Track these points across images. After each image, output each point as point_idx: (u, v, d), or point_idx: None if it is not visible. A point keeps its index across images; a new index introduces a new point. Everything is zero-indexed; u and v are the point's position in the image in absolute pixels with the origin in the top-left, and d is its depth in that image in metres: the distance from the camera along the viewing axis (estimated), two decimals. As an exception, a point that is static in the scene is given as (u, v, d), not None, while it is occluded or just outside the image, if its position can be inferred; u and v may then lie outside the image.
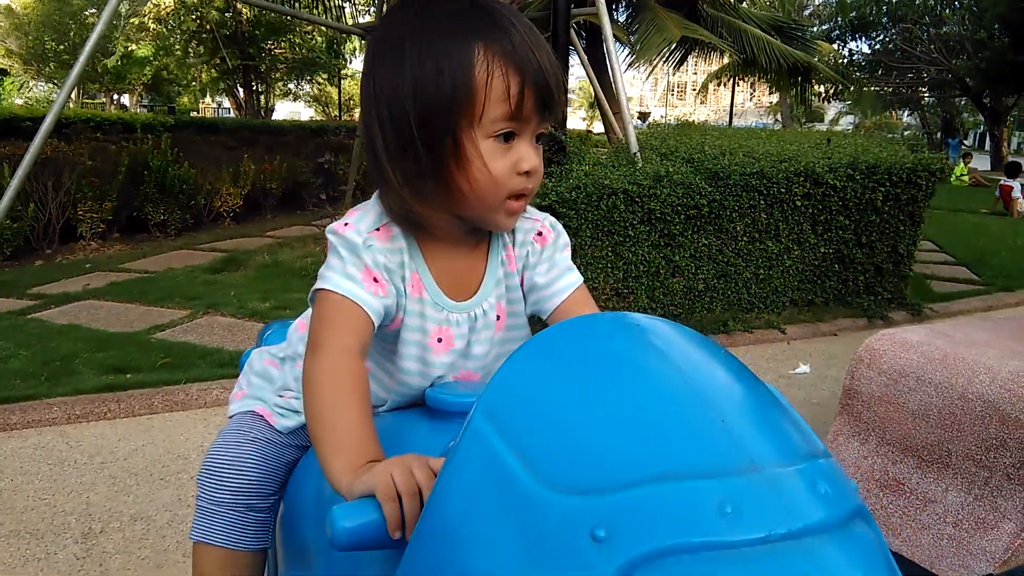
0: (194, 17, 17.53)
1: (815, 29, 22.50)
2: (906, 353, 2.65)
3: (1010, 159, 14.94)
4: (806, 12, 27.54)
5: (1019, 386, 2.30)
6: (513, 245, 1.04)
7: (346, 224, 0.94)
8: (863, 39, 23.66)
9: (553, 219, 1.08)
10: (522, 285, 1.06)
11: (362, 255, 0.92)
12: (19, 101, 22.43)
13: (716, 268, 4.88)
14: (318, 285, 0.92)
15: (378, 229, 0.95)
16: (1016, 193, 11.89)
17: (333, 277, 0.91)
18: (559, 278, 1.05)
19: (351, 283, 0.90)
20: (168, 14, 19.39)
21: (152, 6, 19.71)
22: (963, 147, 24.10)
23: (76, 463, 2.93)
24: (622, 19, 12.76)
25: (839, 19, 22.85)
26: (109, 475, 2.83)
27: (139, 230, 7.32)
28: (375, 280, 0.92)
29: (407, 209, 0.92)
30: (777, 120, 35.22)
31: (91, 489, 2.72)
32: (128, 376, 3.64)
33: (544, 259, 1.05)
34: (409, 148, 0.89)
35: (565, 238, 1.08)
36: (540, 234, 1.05)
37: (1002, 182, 12.56)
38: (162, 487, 2.74)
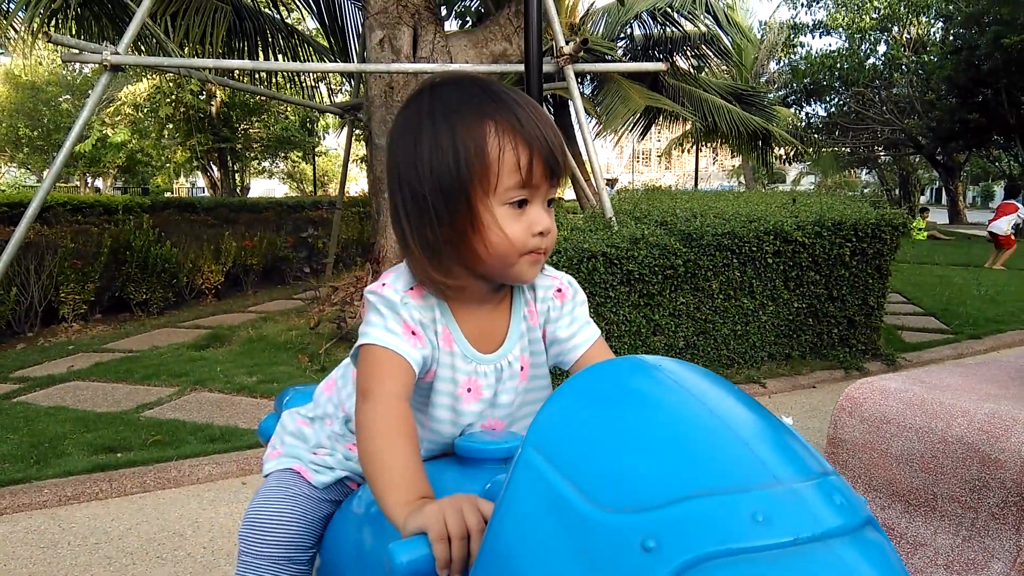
0: (169, 101, 17.81)
1: (772, 95, 23.43)
2: (886, 400, 2.74)
3: (1004, 184, 14.66)
4: (762, 79, 28.68)
5: (995, 427, 2.39)
6: (535, 301, 1.13)
7: (384, 284, 1.04)
8: (818, 103, 24.65)
9: (570, 277, 1.17)
10: (544, 338, 1.14)
11: (400, 311, 1.01)
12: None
13: (695, 325, 5.00)
14: (361, 341, 1.00)
15: (412, 288, 1.04)
16: (1022, 216, 11.73)
17: (375, 333, 0.99)
18: (580, 331, 1.14)
19: (393, 336, 0.99)
20: (144, 99, 19.70)
21: (128, 92, 20.02)
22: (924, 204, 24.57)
23: (70, 545, 2.89)
24: (588, 91, 13.23)
25: (794, 84, 23.84)
26: (104, 555, 2.80)
27: (121, 310, 7.31)
28: (413, 333, 1.01)
29: (429, 278, 1.02)
30: (741, 182, 36.19)
31: (87, 571, 2.69)
32: (119, 455, 3.62)
33: (565, 314, 1.14)
34: (429, 221, 0.98)
35: (582, 295, 1.17)
36: (560, 291, 1.14)
37: (1003, 202, 12.35)
38: (159, 565, 2.72)
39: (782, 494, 0.60)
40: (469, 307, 1.07)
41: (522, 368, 1.11)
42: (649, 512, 0.60)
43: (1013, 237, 11.96)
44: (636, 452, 0.65)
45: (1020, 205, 12.09)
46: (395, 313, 1.01)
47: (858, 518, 0.62)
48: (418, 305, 1.03)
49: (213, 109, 18.66)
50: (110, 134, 21.44)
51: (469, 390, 1.07)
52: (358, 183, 28.32)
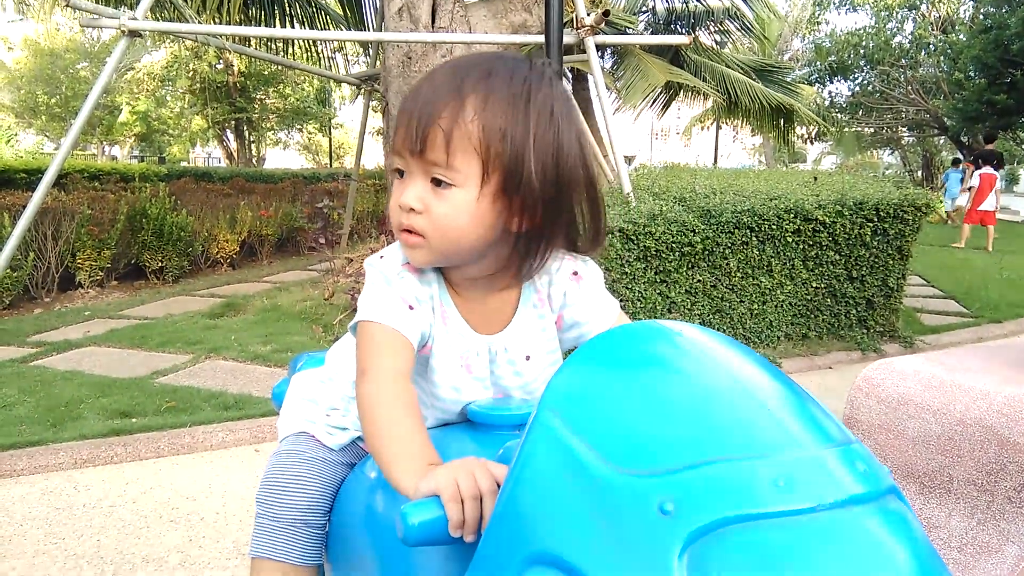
0: (188, 72, 17.82)
1: (795, 72, 23.04)
2: (903, 381, 2.70)
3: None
4: (786, 56, 28.23)
5: (1016, 410, 2.35)
6: (548, 286, 1.10)
7: (382, 257, 1.03)
8: (842, 81, 24.23)
9: (584, 256, 1.12)
10: (559, 322, 1.12)
11: (397, 284, 1.00)
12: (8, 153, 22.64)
13: (711, 304, 4.96)
14: (359, 317, 0.99)
15: (409, 262, 1.02)
16: (989, 205, 11.22)
17: (372, 307, 0.98)
18: (600, 307, 1.11)
19: (389, 311, 0.97)
20: (162, 68, 19.72)
21: (146, 63, 20.04)
22: None
23: (85, 507, 2.93)
24: (608, 65, 13.05)
25: (818, 63, 23.43)
26: (118, 518, 2.83)
27: (136, 277, 7.37)
28: (410, 307, 0.99)
29: None
30: (761, 161, 35.80)
31: (101, 532, 2.72)
32: (133, 420, 3.65)
33: (584, 294, 1.11)
34: None
35: (598, 271, 1.13)
36: (576, 273, 1.10)
37: (982, 171, 11.65)
38: (172, 529, 2.75)
39: (805, 460, 0.58)
40: (465, 285, 1.06)
41: (527, 357, 1.09)
42: (668, 475, 0.58)
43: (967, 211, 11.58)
44: (655, 415, 0.63)
45: (996, 173, 11.51)
46: (392, 286, 1.00)
47: (881, 487, 0.60)
48: (415, 278, 1.02)
49: (230, 79, 18.65)
50: (133, 104, 21.52)
51: (463, 367, 1.06)
52: (375, 155, 28.30)
